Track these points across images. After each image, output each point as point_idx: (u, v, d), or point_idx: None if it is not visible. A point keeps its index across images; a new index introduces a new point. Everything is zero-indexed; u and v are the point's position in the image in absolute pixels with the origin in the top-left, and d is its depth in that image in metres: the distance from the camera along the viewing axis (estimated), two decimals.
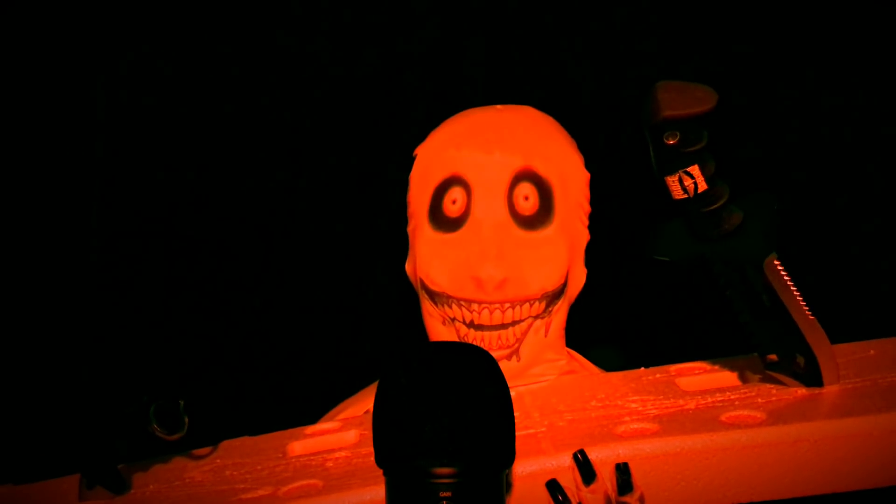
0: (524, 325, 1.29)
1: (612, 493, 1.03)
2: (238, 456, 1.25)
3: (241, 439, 1.31)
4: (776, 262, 1.07)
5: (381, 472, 1.12)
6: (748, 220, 1.04)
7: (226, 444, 1.29)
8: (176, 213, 1.86)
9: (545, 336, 1.31)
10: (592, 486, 1.03)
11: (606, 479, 1.03)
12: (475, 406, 0.87)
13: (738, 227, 1.04)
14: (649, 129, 0.96)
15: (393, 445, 0.88)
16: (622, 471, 1.01)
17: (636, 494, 1.03)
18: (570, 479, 1.06)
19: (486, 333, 1.28)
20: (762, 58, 1.74)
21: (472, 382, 0.88)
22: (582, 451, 1.04)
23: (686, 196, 1.00)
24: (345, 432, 1.27)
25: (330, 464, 1.18)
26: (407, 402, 0.87)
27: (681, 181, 0.98)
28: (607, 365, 1.38)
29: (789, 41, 1.72)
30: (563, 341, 1.35)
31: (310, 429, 1.31)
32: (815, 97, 1.72)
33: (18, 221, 1.74)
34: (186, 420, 1.15)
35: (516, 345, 1.29)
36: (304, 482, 1.14)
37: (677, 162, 0.98)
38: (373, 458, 1.17)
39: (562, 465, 1.08)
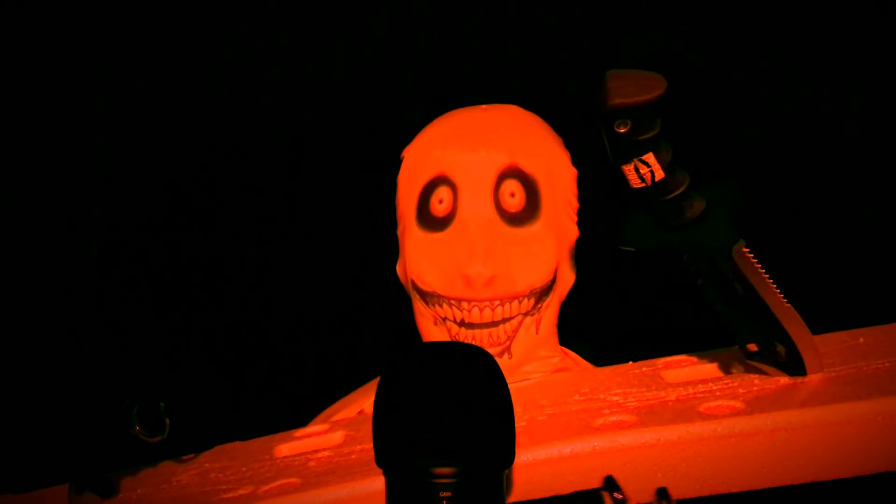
0: (514, 322, 1.29)
1: None
2: (226, 459, 1.27)
3: (232, 444, 1.32)
4: (745, 250, 1.06)
5: (359, 469, 1.14)
6: (711, 207, 1.03)
7: (216, 448, 1.31)
8: (168, 216, 1.88)
9: (536, 333, 1.31)
10: None
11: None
12: (475, 406, 0.87)
13: (701, 214, 1.03)
14: (600, 118, 0.96)
15: (393, 445, 0.88)
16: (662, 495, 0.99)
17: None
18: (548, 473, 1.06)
19: (477, 332, 1.29)
20: (755, 52, 1.73)
21: (472, 382, 0.88)
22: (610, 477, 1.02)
23: (644, 185, 0.99)
24: (332, 434, 1.28)
25: (312, 463, 1.19)
26: (407, 403, 0.87)
27: (637, 170, 0.98)
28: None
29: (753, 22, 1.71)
30: (555, 338, 1.35)
31: (299, 432, 1.32)
32: (779, 79, 1.71)
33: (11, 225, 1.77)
34: (168, 422, 1.16)
35: (507, 342, 1.29)
36: (283, 481, 1.15)
37: (631, 150, 0.97)
38: (354, 457, 1.19)
39: (537, 459, 1.08)
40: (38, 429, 1.22)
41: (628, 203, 1.05)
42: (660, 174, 0.98)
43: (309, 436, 1.30)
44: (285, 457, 1.24)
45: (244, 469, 1.22)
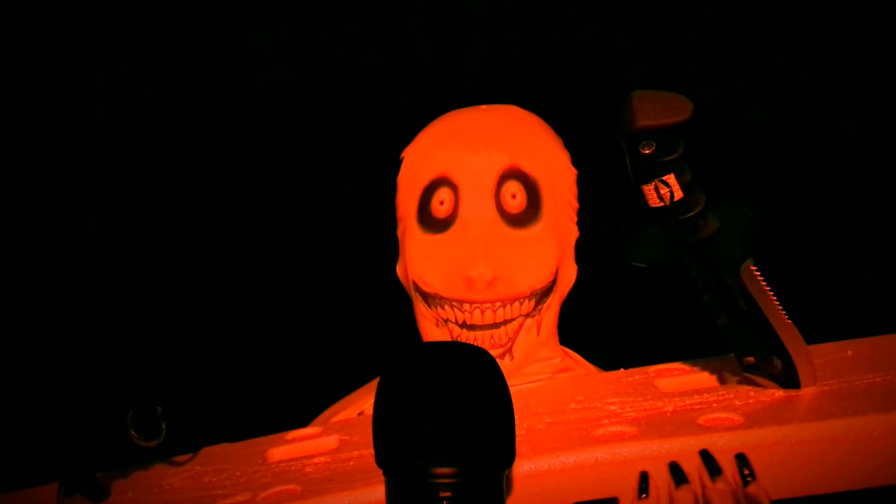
0: (515, 323, 1.30)
1: (738, 487, 1.02)
2: (218, 462, 1.25)
3: (222, 446, 1.31)
4: (752, 268, 1.08)
5: (358, 477, 1.13)
6: (724, 226, 1.04)
7: (206, 450, 1.29)
8: (164, 216, 1.85)
9: (537, 335, 1.32)
10: (718, 481, 1.02)
11: (730, 473, 1.03)
12: (475, 406, 0.87)
13: (714, 233, 1.04)
14: (625, 139, 0.97)
15: (393, 445, 0.88)
16: (742, 460, 1.01)
17: (761, 485, 1.01)
18: (550, 485, 1.07)
19: (479, 333, 1.29)
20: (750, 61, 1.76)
21: (473, 382, 0.88)
22: (705, 451, 1.04)
23: (662, 204, 1.00)
24: (325, 437, 1.27)
25: (309, 469, 1.18)
26: (407, 402, 0.87)
27: (657, 190, 0.98)
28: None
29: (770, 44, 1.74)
30: (556, 339, 1.36)
31: (290, 434, 1.31)
32: (783, 99, 1.73)
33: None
34: (164, 426, 1.15)
35: (509, 344, 1.30)
36: (282, 487, 1.14)
37: (653, 171, 0.98)
38: (352, 463, 1.18)
39: (538, 470, 1.08)
40: (27, 428, 1.19)
41: (641, 221, 1.05)
42: (679, 194, 0.99)
43: (301, 438, 1.29)
44: (280, 461, 1.23)
45: (238, 474, 1.21)
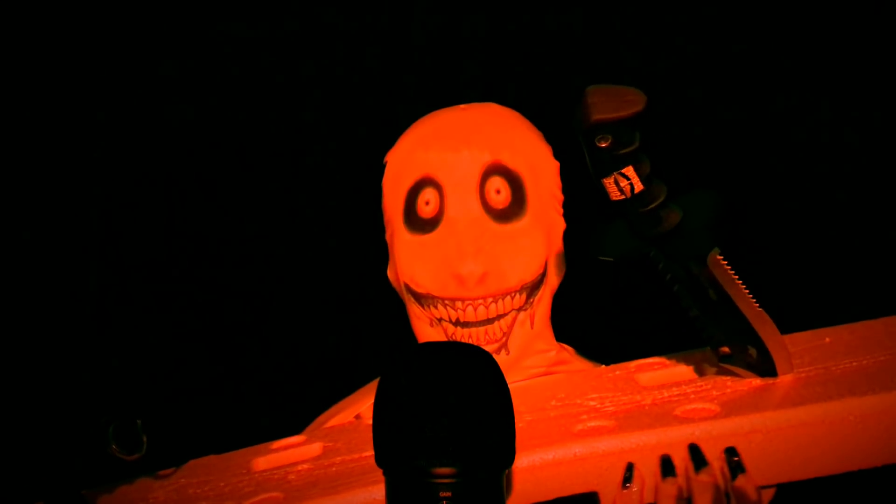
0: (509, 318, 1.31)
1: (726, 479, 1.02)
2: (202, 474, 1.26)
3: (207, 458, 1.32)
4: (719, 257, 1.08)
5: (341, 481, 1.14)
6: (688, 217, 1.05)
7: (191, 463, 1.30)
8: (148, 226, 1.86)
9: (531, 328, 1.33)
10: (702, 473, 1.01)
11: (717, 466, 1.02)
12: (475, 406, 0.88)
13: (678, 224, 1.05)
14: (581, 134, 0.98)
15: (393, 445, 0.89)
16: (731, 453, 1.01)
17: (751, 477, 1.01)
18: (530, 481, 1.07)
19: (473, 330, 1.31)
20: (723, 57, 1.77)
21: (472, 382, 0.89)
22: (693, 444, 1.03)
23: (623, 197, 1.01)
24: (309, 445, 1.28)
25: (292, 476, 1.19)
26: (407, 403, 0.88)
27: (616, 183, 0.99)
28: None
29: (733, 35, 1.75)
30: (550, 331, 1.37)
31: (275, 444, 1.31)
32: (749, 88, 1.74)
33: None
34: (145, 439, 1.15)
35: (504, 339, 1.32)
36: (265, 495, 1.15)
37: (611, 164, 0.99)
38: (334, 469, 1.19)
39: (519, 467, 1.09)
40: (10, 448, 1.20)
41: (606, 215, 1.06)
42: (639, 186, 1.00)
43: (286, 447, 1.29)
44: (263, 470, 1.23)
45: (223, 484, 1.22)
